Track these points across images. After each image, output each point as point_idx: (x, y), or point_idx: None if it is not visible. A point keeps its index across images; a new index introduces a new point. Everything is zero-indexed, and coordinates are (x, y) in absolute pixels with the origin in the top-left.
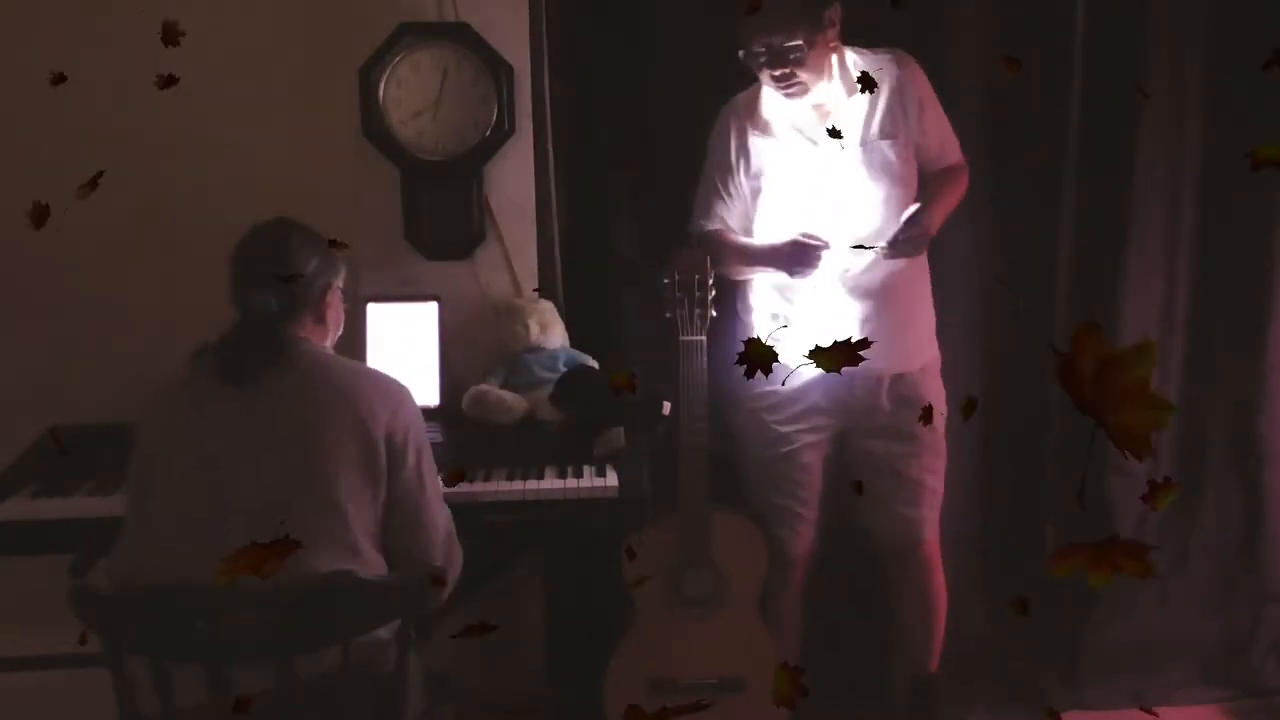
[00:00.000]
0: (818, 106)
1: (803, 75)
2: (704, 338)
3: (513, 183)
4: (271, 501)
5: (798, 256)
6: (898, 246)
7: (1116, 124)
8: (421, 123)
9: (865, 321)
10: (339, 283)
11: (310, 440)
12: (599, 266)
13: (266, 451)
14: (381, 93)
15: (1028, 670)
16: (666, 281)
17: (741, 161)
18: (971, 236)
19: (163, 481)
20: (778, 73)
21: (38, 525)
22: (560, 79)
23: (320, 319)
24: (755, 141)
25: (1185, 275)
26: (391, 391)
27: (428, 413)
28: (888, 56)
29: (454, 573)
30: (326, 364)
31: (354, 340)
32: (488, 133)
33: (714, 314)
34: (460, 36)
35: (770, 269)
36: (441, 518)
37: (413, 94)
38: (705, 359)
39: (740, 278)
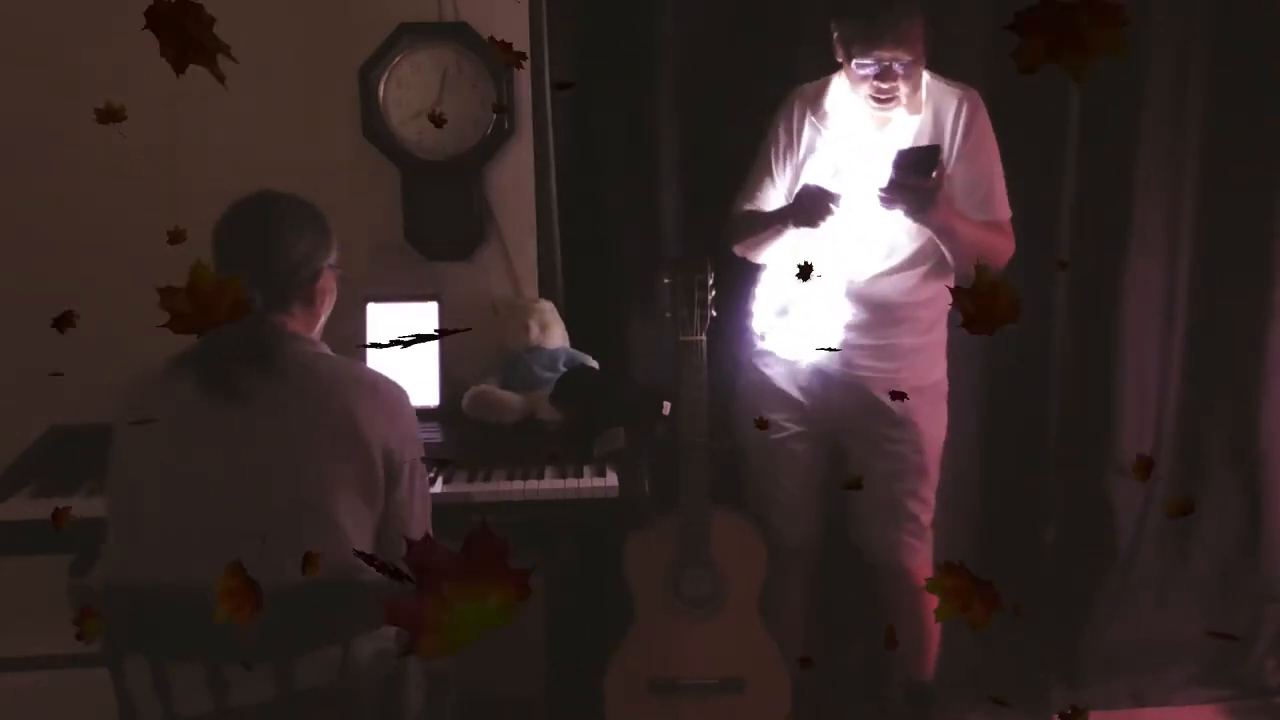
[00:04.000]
0: (880, 119)
1: (904, 89)
2: (704, 338)
3: (513, 183)
4: (267, 523)
5: (807, 205)
6: (895, 192)
7: (1116, 124)
8: (422, 123)
9: (853, 328)
10: (332, 259)
11: (307, 462)
12: (599, 266)
13: (259, 473)
14: (381, 93)
15: (1028, 670)
16: (666, 282)
17: (795, 146)
18: None
19: (148, 496)
20: (886, 85)
21: (38, 525)
22: (560, 79)
23: (310, 304)
24: (810, 130)
25: (1185, 275)
26: (390, 400)
27: (428, 413)
28: (957, 90)
29: None
30: (320, 371)
31: (354, 340)
32: (488, 133)
33: (714, 314)
34: (460, 36)
35: (784, 230)
36: (426, 526)
37: (413, 94)
38: (705, 359)
39: (759, 258)
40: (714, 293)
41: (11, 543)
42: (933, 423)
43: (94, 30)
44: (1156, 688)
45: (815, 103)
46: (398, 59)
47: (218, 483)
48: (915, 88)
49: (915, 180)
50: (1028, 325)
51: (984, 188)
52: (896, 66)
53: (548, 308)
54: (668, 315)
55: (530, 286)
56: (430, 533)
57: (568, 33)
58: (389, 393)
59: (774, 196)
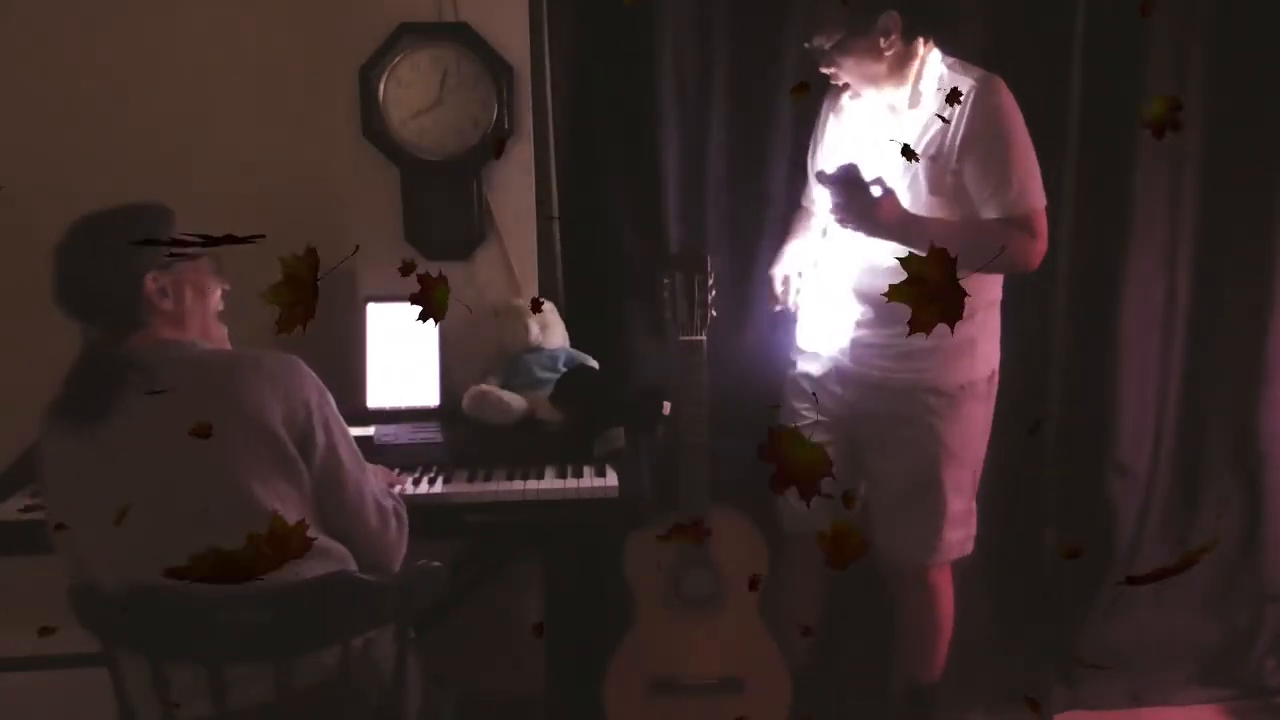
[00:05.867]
0: (891, 108)
1: (845, 76)
2: (704, 337)
3: (513, 183)
4: (198, 524)
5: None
6: (835, 211)
7: (1117, 124)
8: (421, 123)
9: (861, 325)
10: (161, 258)
11: (213, 460)
12: (599, 266)
13: (169, 482)
14: (381, 93)
15: (1028, 670)
16: (666, 281)
17: (821, 141)
18: None
19: (75, 521)
20: (824, 70)
21: (38, 525)
22: (560, 79)
23: (162, 310)
24: (832, 125)
25: (1185, 275)
26: (278, 373)
27: (428, 413)
28: (971, 78)
29: (399, 539)
30: (195, 368)
31: (354, 340)
32: (488, 133)
33: (714, 314)
34: (460, 36)
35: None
36: (366, 486)
37: (413, 94)
38: (705, 359)
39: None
40: (714, 292)
41: (11, 543)
42: (956, 426)
43: (94, 28)
44: (1156, 688)
45: (836, 98)
46: (398, 59)
47: (139, 502)
48: (864, 75)
49: (845, 198)
50: (1028, 325)
51: (995, 180)
52: (827, 49)
53: (548, 308)
54: (668, 315)
55: (530, 286)
56: (374, 491)
57: (568, 33)
58: (271, 364)
59: (814, 191)
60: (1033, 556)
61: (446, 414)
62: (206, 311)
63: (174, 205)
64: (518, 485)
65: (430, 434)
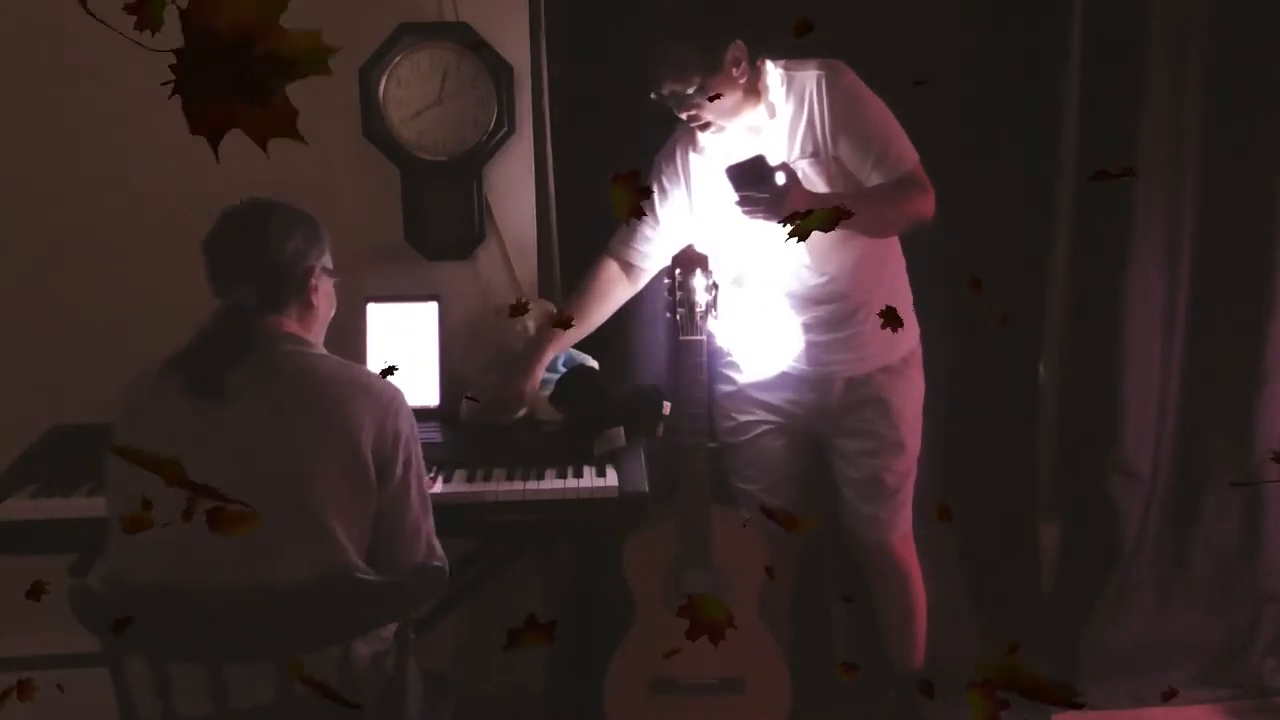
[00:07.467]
0: (752, 128)
1: (708, 115)
2: (704, 337)
3: (513, 183)
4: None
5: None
6: (744, 206)
7: (1117, 123)
8: (422, 123)
9: (811, 327)
10: (325, 261)
11: (295, 464)
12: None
13: (248, 476)
14: (381, 93)
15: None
16: (667, 281)
17: (682, 185)
18: (972, 235)
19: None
20: (684, 116)
21: (38, 525)
22: (560, 79)
23: (307, 306)
24: (695, 163)
25: (1185, 275)
26: (382, 399)
27: (428, 413)
28: (812, 71)
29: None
30: (313, 371)
31: (354, 340)
32: (488, 133)
33: (715, 314)
34: (460, 36)
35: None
36: (424, 528)
37: (413, 94)
38: (706, 358)
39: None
40: (715, 292)
41: (11, 543)
42: (905, 397)
43: (92, 28)
44: (1156, 688)
45: (693, 137)
46: (398, 59)
47: (208, 483)
48: (726, 110)
49: (754, 190)
50: (1028, 325)
51: (874, 150)
52: (688, 95)
53: (548, 308)
54: (668, 315)
55: (530, 286)
56: (431, 533)
57: (568, 33)
58: (381, 393)
59: (655, 240)
60: (1033, 557)
61: (446, 414)
62: (323, 325)
63: (174, 204)
64: (518, 485)
65: (430, 434)
